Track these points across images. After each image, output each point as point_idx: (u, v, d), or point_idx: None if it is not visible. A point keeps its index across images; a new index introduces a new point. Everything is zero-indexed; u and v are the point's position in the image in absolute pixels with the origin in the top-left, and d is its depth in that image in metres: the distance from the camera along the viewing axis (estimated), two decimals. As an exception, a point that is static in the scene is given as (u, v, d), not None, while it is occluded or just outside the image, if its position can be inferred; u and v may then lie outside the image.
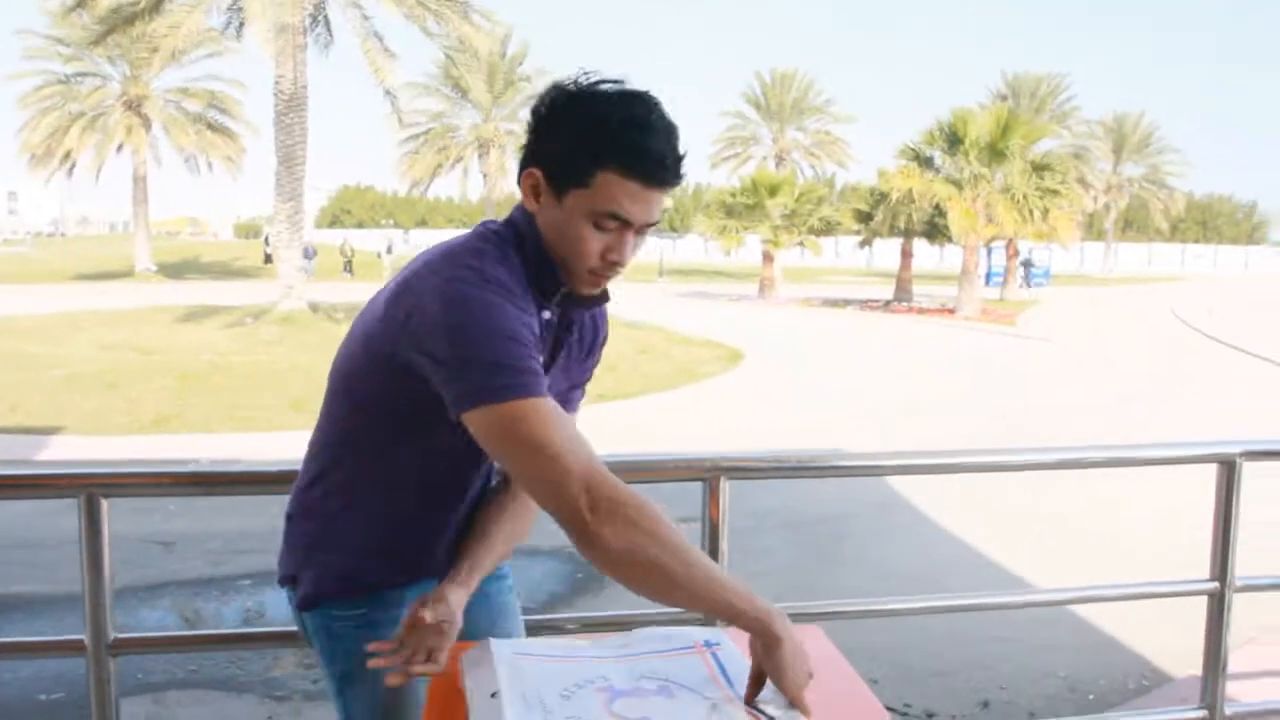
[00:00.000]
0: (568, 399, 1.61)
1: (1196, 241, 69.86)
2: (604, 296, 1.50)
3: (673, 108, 1.40)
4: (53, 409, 10.21)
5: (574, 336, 1.55)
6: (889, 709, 1.33)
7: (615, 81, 1.37)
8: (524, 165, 1.42)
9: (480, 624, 1.59)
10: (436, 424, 1.39)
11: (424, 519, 1.56)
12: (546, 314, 1.44)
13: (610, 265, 1.39)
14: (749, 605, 1.25)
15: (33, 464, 7.88)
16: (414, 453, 1.49)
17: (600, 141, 1.32)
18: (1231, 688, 2.64)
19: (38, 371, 12.52)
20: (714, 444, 8.86)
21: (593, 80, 1.37)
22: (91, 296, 26.07)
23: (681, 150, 1.38)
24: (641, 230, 1.39)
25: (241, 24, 19.25)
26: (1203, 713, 2.60)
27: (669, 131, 1.35)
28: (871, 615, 3.51)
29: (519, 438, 1.29)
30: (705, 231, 32.23)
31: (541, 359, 1.40)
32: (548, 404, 1.31)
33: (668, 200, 1.43)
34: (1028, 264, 38.63)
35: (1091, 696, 3.97)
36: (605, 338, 1.65)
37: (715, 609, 1.29)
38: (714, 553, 2.26)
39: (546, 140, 1.38)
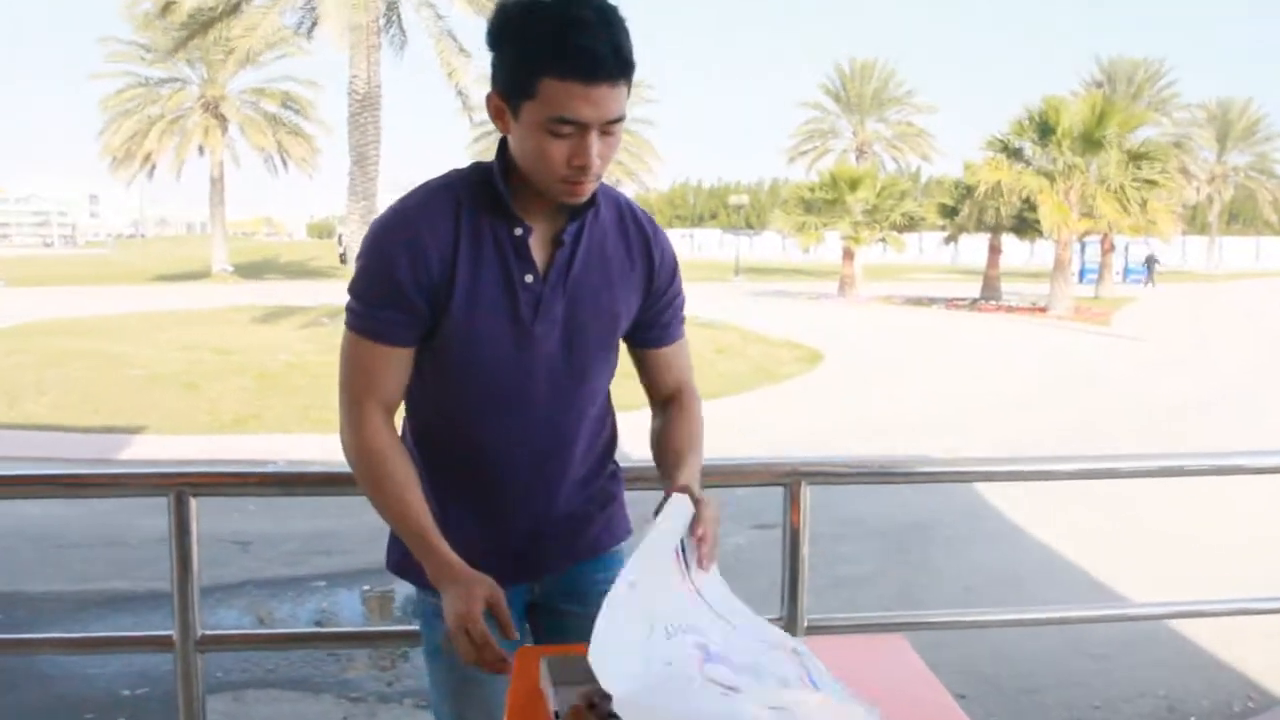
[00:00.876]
0: (658, 318, 1.61)
1: (1310, 234, 66.27)
2: (589, 203, 1.47)
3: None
4: (135, 408, 10.48)
5: (576, 250, 1.49)
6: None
7: None
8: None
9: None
10: (431, 367, 1.49)
11: (477, 493, 1.55)
12: (518, 230, 1.45)
13: (580, 170, 1.36)
14: (432, 570, 1.42)
15: (119, 463, 8.07)
16: (432, 406, 1.54)
17: (533, 49, 1.31)
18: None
19: (120, 371, 12.88)
20: (794, 448, 8.73)
21: None
22: (170, 297, 26.88)
23: (625, 39, 1.33)
24: (606, 130, 1.36)
25: (314, 24, 19.54)
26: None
27: (605, 24, 1.31)
28: (959, 627, 3.40)
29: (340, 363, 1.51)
30: (783, 228, 31.68)
31: (474, 282, 1.44)
32: (360, 343, 1.46)
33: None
34: (1151, 260, 36.09)
35: (1193, 718, 3.79)
36: (658, 249, 1.59)
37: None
38: (795, 559, 2.18)
39: (495, 61, 1.38)
